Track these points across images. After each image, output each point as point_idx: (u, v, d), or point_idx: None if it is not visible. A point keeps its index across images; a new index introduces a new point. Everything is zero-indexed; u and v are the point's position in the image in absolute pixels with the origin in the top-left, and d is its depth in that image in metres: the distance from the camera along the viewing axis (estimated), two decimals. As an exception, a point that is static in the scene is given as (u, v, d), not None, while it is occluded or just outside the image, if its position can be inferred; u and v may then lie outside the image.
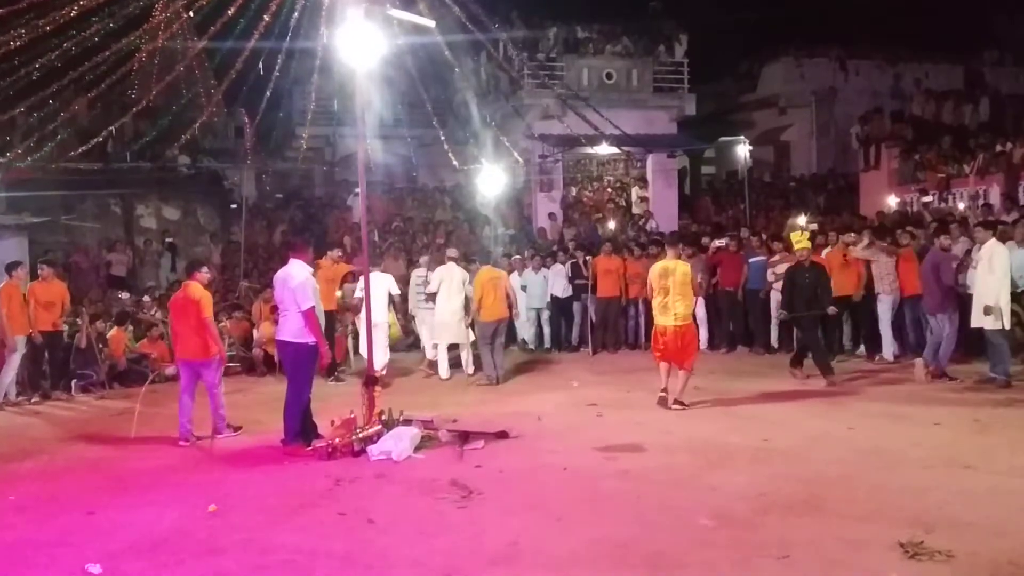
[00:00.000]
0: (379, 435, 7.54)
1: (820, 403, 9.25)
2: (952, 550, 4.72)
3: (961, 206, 15.67)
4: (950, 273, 10.30)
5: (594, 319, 14.27)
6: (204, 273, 9.09)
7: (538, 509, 5.79)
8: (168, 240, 19.59)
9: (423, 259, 13.01)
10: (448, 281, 11.68)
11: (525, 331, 14.62)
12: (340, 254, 12.63)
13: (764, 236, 14.35)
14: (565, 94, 17.70)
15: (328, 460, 7.28)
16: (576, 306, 14.68)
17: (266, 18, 12.07)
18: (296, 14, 11.90)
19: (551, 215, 19.93)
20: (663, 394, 9.07)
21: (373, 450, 7.31)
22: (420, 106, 16.72)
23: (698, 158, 27.17)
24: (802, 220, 15.87)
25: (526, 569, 4.76)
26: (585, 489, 6.28)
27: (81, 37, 11.84)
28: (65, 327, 11.97)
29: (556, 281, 14.52)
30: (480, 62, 21.33)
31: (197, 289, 8.67)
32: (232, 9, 11.83)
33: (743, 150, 21.82)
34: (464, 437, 7.78)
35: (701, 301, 13.55)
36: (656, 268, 9.39)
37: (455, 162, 17.47)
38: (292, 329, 7.85)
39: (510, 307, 11.76)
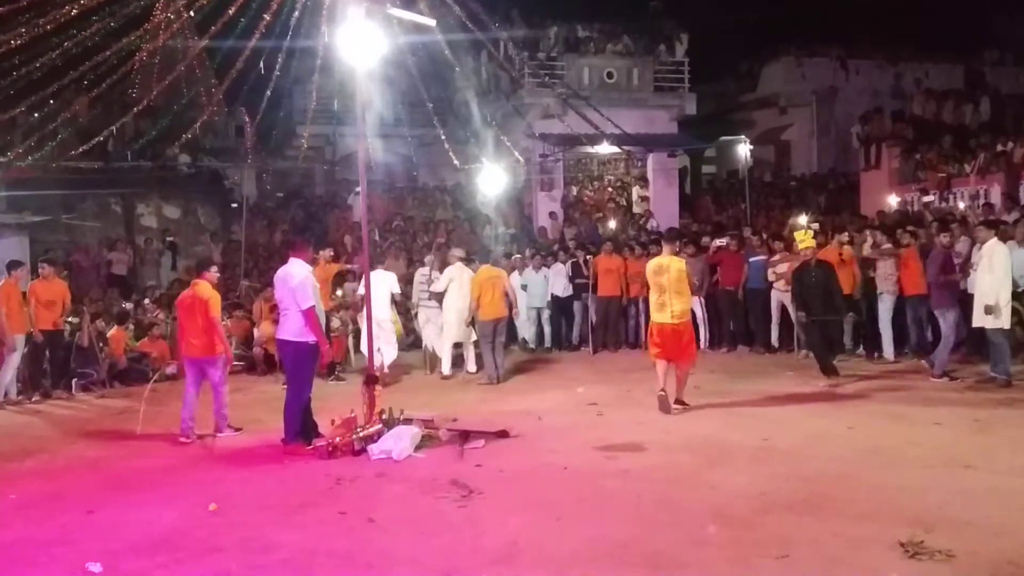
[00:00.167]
0: (379, 434, 7.54)
1: (820, 402, 9.25)
2: (952, 549, 4.71)
3: (961, 205, 15.66)
4: (950, 270, 10.30)
5: (595, 318, 14.28)
6: (213, 272, 9.16)
7: (538, 508, 5.79)
8: (169, 239, 19.60)
9: (428, 258, 13.00)
10: (458, 281, 11.72)
11: (525, 330, 14.62)
12: (331, 254, 12.65)
13: (764, 235, 14.34)
14: (566, 93, 17.72)
15: (328, 459, 7.29)
16: (577, 305, 14.70)
17: (267, 17, 12.09)
18: (297, 13, 11.91)
19: (552, 214, 19.93)
20: (662, 394, 8.86)
21: (373, 449, 7.31)
22: (421, 105, 16.71)
23: (699, 158, 27.17)
24: (803, 220, 15.87)
25: (526, 568, 4.76)
26: (585, 488, 6.27)
27: (82, 36, 11.85)
28: (67, 326, 11.99)
29: (557, 280, 14.53)
30: (481, 61, 21.33)
31: (206, 288, 8.71)
32: (233, 8, 11.85)
33: (744, 149, 21.81)
34: (464, 436, 7.79)
35: (701, 300, 13.62)
36: (651, 265, 9.24)
37: (456, 161, 17.48)
38: (292, 328, 7.86)
39: (510, 307, 11.78)
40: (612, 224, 18.66)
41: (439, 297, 12.08)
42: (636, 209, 21.18)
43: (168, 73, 17.61)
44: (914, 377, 10.54)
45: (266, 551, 5.09)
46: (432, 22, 10.16)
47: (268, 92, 15.25)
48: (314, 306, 7.81)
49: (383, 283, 11.55)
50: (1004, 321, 9.60)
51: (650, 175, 21.28)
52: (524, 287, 14.14)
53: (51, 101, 14.53)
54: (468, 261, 12.23)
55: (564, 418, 8.92)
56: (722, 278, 13.75)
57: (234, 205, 21.47)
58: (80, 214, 19.04)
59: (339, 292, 13.49)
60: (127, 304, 15.23)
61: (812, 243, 10.56)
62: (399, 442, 7.33)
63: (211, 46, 15.25)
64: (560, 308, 14.72)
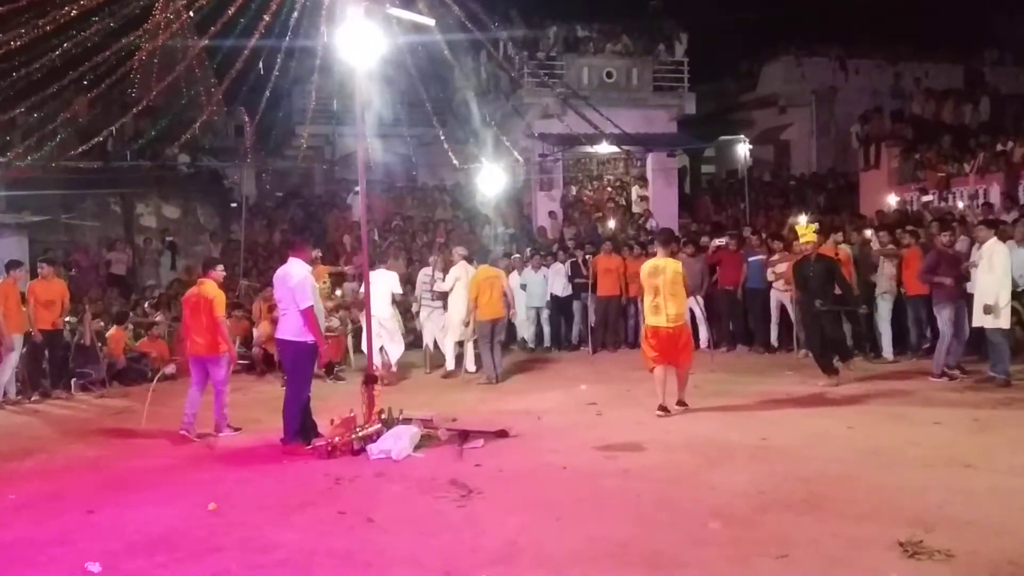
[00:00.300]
0: (379, 434, 7.54)
1: (820, 402, 9.25)
2: (952, 549, 4.71)
3: (960, 205, 15.67)
4: (944, 270, 10.30)
5: (594, 318, 14.28)
6: (219, 271, 9.24)
7: (537, 508, 5.79)
8: (168, 239, 19.60)
9: (432, 259, 13.01)
10: (463, 279, 11.74)
11: (525, 330, 14.63)
12: (319, 254, 12.69)
13: (764, 235, 14.34)
14: (565, 93, 17.70)
15: (328, 459, 7.29)
16: (576, 305, 14.70)
17: (266, 17, 12.07)
18: (296, 13, 11.90)
19: (551, 213, 19.94)
20: (660, 414, 8.59)
21: (373, 449, 7.31)
22: (420, 105, 16.69)
23: (698, 157, 27.17)
24: (803, 219, 15.87)
25: (525, 568, 4.76)
26: (585, 488, 6.27)
27: (81, 37, 11.85)
28: (67, 325, 11.98)
29: (556, 280, 14.54)
30: (480, 61, 21.32)
31: (212, 288, 8.77)
32: (232, 8, 11.84)
33: (743, 149, 21.82)
34: (464, 436, 7.79)
35: (698, 300, 13.60)
36: (646, 266, 9.04)
37: (455, 161, 17.47)
38: (291, 328, 7.86)
39: (507, 307, 11.79)
40: (611, 224, 18.66)
41: (444, 296, 12.11)
42: (635, 209, 21.19)
43: (168, 73, 17.61)
44: (914, 377, 10.53)
45: (265, 551, 5.09)
46: (431, 22, 10.15)
47: (267, 92, 15.25)
48: (312, 306, 7.81)
49: (384, 282, 11.59)
50: (1004, 321, 9.60)
51: (649, 175, 21.28)
52: (523, 287, 14.15)
53: (51, 101, 14.51)
54: (469, 260, 12.25)
55: (563, 418, 8.92)
56: (721, 278, 13.75)
57: (233, 205, 21.49)
58: (79, 214, 19.04)
59: (339, 292, 13.50)
60: (126, 305, 15.27)
61: (814, 238, 10.41)
62: (398, 442, 7.33)
63: (210, 46, 15.23)
64: (559, 308, 14.72)
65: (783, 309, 12.92)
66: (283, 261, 8.44)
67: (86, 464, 7.67)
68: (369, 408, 7.85)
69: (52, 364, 11.76)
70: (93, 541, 5.34)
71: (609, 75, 20.92)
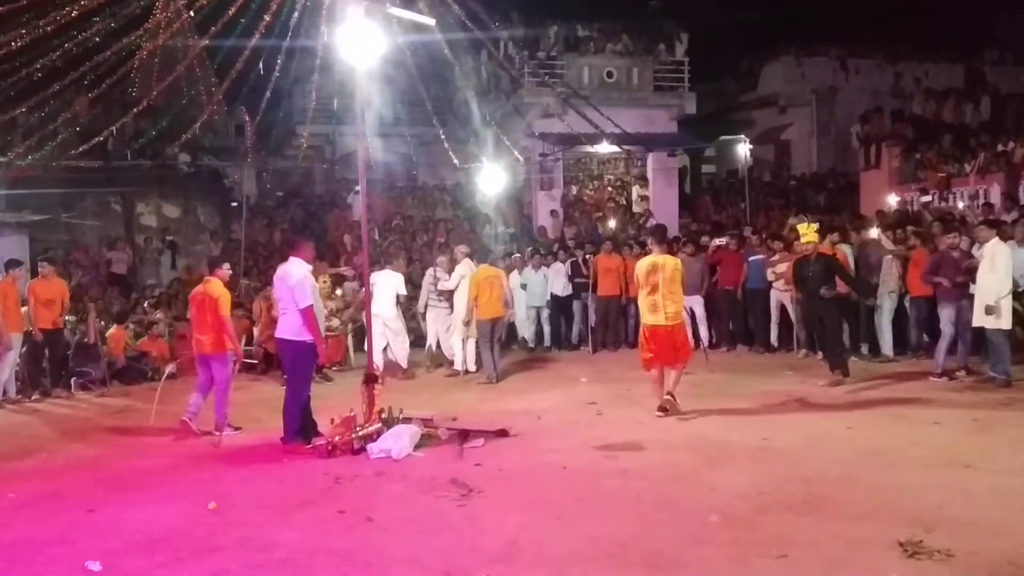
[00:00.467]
0: (379, 433, 7.54)
1: (820, 402, 9.25)
2: (951, 549, 4.71)
3: (961, 205, 15.66)
4: (946, 272, 10.33)
5: (594, 318, 14.28)
6: (225, 270, 9.31)
7: (537, 507, 5.79)
8: (168, 238, 19.61)
9: (440, 259, 13.04)
10: (468, 277, 11.76)
11: (525, 330, 14.63)
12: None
13: (763, 235, 14.34)
14: (565, 93, 17.69)
15: (328, 458, 7.29)
16: (576, 305, 14.71)
17: (266, 17, 12.07)
18: (296, 13, 11.90)
19: (553, 212, 19.94)
20: (660, 414, 8.56)
21: (373, 448, 7.31)
22: (420, 104, 16.69)
23: (698, 157, 27.15)
24: (803, 219, 15.89)
25: (525, 567, 4.76)
26: (585, 487, 6.28)
27: (82, 37, 11.85)
28: (67, 323, 11.98)
29: (556, 279, 14.54)
30: (480, 60, 21.32)
31: (217, 286, 8.81)
32: (233, 8, 11.84)
33: (743, 149, 21.81)
34: (464, 435, 7.79)
35: (701, 300, 13.62)
36: (644, 263, 8.87)
37: (455, 160, 17.46)
38: (291, 327, 7.86)
39: (506, 306, 11.81)
40: (612, 223, 18.67)
41: (449, 295, 12.14)
42: (636, 208, 21.19)
43: (168, 73, 17.60)
44: (914, 377, 10.53)
45: (265, 550, 5.09)
46: (432, 21, 10.15)
47: (268, 91, 15.24)
48: (312, 305, 7.80)
49: (389, 283, 11.69)
50: (1004, 322, 9.59)
51: (650, 174, 21.28)
52: (523, 286, 14.17)
53: (51, 101, 14.51)
54: (470, 257, 12.29)
55: (563, 417, 8.93)
56: (721, 278, 13.75)
57: (234, 204, 21.49)
58: (80, 213, 19.05)
59: (339, 291, 13.51)
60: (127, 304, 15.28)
61: (815, 238, 10.30)
62: (398, 441, 7.34)
63: (211, 45, 15.23)
64: (559, 307, 14.73)
65: (783, 309, 12.92)
66: (284, 260, 8.45)
67: (86, 463, 7.67)
68: (369, 407, 7.86)
69: (52, 363, 11.77)
70: (93, 540, 5.34)
71: (610, 75, 20.92)
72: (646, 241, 14.55)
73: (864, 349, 12.25)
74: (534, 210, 20.53)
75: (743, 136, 22.50)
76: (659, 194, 20.96)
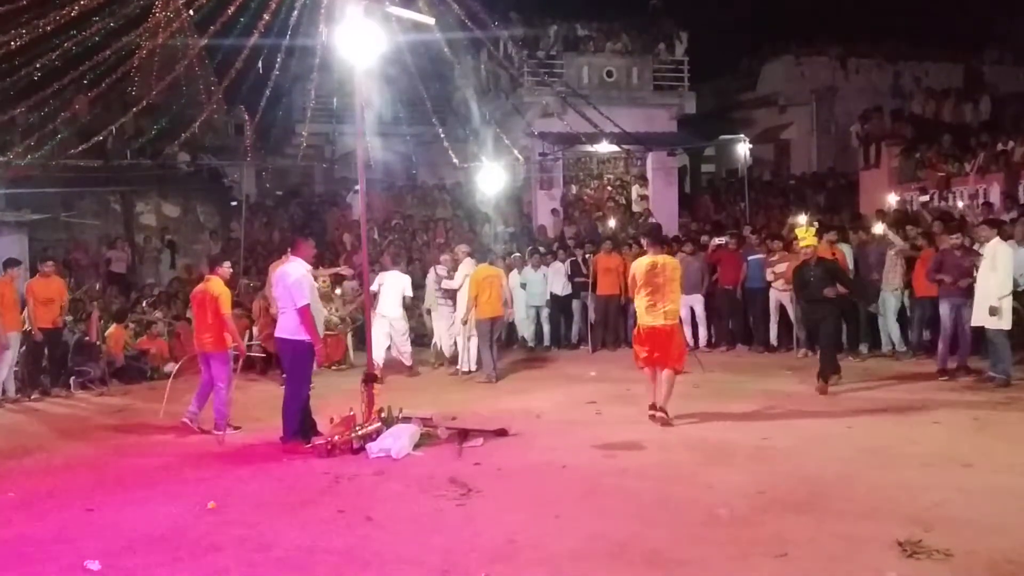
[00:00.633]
0: (378, 432, 7.54)
1: (819, 401, 9.26)
2: (950, 548, 4.71)
3: (960, 205, 15.66)
4: (952, 269, 10.35)
5: (594, 317, 14.28)
6: (226, 268, 9.33)
7: (536, 506, 5.80)
8: (168, 237, 19.61)
9: (443, 258, 13.07)
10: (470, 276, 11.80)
11: (525, 329, 14.63)
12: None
13: (762, 235, 14.33)
14: (565, 92, 17.68)
15: (327, 457, 7.30)
16: (576, 304, 14.71)
17: (266, 16, 12.08)
18: (296, 12, 11.90)
19: (554, 211, 19.94)
20: (652, 412, 8.33)
21: (372, 447, 7.31)
22: (420, 104, 16.67)
23: (698, 156, 27.13)
24: (802, 219, 15.88)
25: (524, 566, 4.76)
26: (584, 486, 6.28)
27: (82, 36, 11.85)
28: (66, 323, 11.98)
29: (556, 279, 14.54)
30: (480, 60, 21.30)
31: (217, 285, 8.82)
32: (232, 7, 11.84)
33: (743, 148, 21.78)
34: (463, 435, 7.80)
35: (701, 299, 13.63)
36: (643, 263, 8.54)
37: (455, 160, 17.46)
38: (290, 326, 7.86)
39: (506, 306, 11.83)
40: (612, 223, 18.65)
41: (452, 295, 12.17)
42: (635, 208, 21.18)
43: (168, 72, 17.63)
44: (913, 377, 10.55)
45: (264, 549, 5.09)
46: (431, 20, 10.15)
47: (267, 90, 15.25)
48: (308, 304, 7.77)
49: (396, 284, 11.78)
50: (1005, 321, 9.59)
51: (649, 174, 21.28)
52: (523, 285, 14.17)
53: (51, 100, 14.52)
54: (471, 256, 12.33)
55: (563, 416, 8.93)
56: (721, 277, 13.75)
57: (233, 203, 21.49)
58: (79, 212, 19.05)
59: (338, 291, 13.52)
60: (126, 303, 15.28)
61: (814, 241, 10.14)
62: (398, 440, 7.34)
63: (210, 44, 15.23)
64: (559, 307, 14.73)
65: (782, 308, 12.93)
66: (278, 259, 8.46)
67: (85, 462, 7.67)
68: (369, 407, 7.86)
69: (51, 362, 11.77)
70: (92, 539, 5.34)
71: (609, 74, 20.91)
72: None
73: (864, 348, 12.27)
74: (534, 209, 20.53)
75: (743, 135, 22.47)
76: (659, 193, 20.96)
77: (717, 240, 14.60)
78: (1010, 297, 9.62)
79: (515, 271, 14.06)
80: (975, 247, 10.71)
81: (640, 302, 8.49)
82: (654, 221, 18.66)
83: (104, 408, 10.64)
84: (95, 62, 12.69)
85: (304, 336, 7.81)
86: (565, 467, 6.84)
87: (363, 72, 8.34)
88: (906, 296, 11.87)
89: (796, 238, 10.86)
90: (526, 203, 21.04)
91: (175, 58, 18.85)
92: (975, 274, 10.06)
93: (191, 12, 14.27)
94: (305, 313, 7.74)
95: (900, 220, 13.83)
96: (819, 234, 12.13)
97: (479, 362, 11.88)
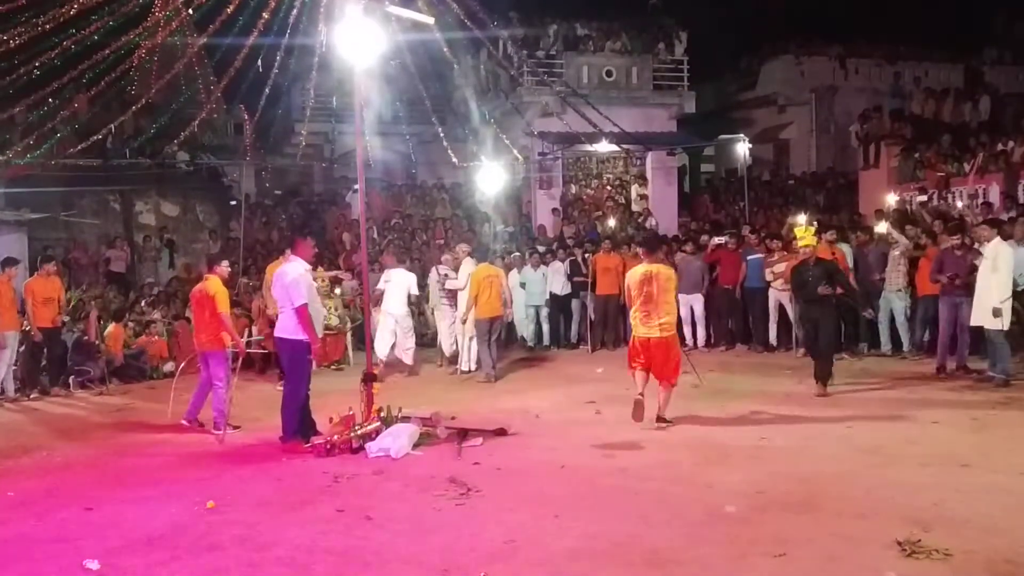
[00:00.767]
0: (377, 432, 7.55)
1: (818, 401, 9.26)
2: (949, 548, 4.72)
3: (960, 205, 15.67)
4: (953, 269, 10.37)
5: (593, 317, 14.29)
6: (224, 267, 9.34)
7: (536, 506, 5.80)
8: (167, 237, 19.59)
9: (444, 258, 13.08)
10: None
11: (524, 329, 14.64)
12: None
13: (762, 234, 14.34)
14: (564, 92, 17.68)
15: (326, 457, 7.30)
16: (575, 303, 14.72)
17: (265, 15, 12.07)
18: (295, 11, 11.89)
19: (555, 211, 19.95)
20: (640, 398, 8.10)
21: (371, 447, 7.32)
22: (419, 103, 16.67)
23: (697, 156, 27.12)
24: (802, 219, 15.88)
25: (523, 566, 4.76)
26: (583, 486, 6.28)
27: (81, 35, 11.84)
28: (65, 323, 11.98)
29: (555, 278, 14.55)
30: (479, 59, 21.31)
31: (215, 284, 8.84)
32: (231, 6, 11.84)
33: (742, 148, 21.80)
34: (462, 434, 7.80)
35: (701, 298, 13.64)
36: (636, 273, 8.40)
37: (454, 159, 17.46)
38: (289, 326, 7.85)
39: (505, 306, 11.84)
40: (611, 222, 18.66)
41: (454, 294, 12.18)
42: (635, 207, 21.18)
43: (167, 71, 17.59)
44: (912, 376, 10.57)
45: (264, 548, 5.10)
46: (431, 20, 10.15)
47: (267, 89, 15.23)
48: (306, 304, 7.75)
49: (403, 281, 11.81)
50: (1004, 321, 9.60)
51: (649, 173, 21.29)
52: (522, 285, 14.17)
53: (50, 99, 14.50)
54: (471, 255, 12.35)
55: (562, 416, 8.93)
56: (720, 277, 13.76)
57: (233, 203, 21.47)
58: (79, 211, 19.02)
59: (337, 290, 13.52)
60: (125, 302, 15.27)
61: (813, 241, 10.02)
62: (397, 440, 7.34)
63: (210, 43, 15.22)
64: (558, 306, 14.74)
65: (782, 308, 12.94)
66: (275, 259, 8.47)
67: (84, 461, 7.67)
68: (368, 406, 7.86)
69: (51, 362, 11.77)
70: (92, 538, 5.34)
71: (609, 73, 20.92)
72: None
73: (863, 348, 12.28)
74: (533, 209, 20.53)
75: (742, 135, 22.49)
76: (658, 193, 20.97)
77: (716, 240, 14.60)
78: (1010, 298, 9.63)
79: (514, 271, 14.07)
80: (975, 247, 10.73)
81: (635, 313, 8.35)
82: (653, 222, 18.74)
83: (103, 407, 10.64)
84: (94, 61, 12.67)
85: (302, 335, 7.81)
86: (564, 467, 6.84)
87: (362, 71, 8.34)
88: (908, 295, 11.88)
89: (795, 238, 10.83)
90: (525, 203, 21.04)
91: (174, 57, 18.82)
92: (975, 273, 10.08)
93: (190, 11, 14.24)
94: (302, 313, 7.73)
95: (901, 220, 13.85)
96: (818, 234, 12.17)
97: (479, 362, 11.89)
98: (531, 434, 8.07)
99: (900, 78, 25.90)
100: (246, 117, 21.09)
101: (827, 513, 5.46)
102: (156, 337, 13.38)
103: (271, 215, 22.19)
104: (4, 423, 9.80)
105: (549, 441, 7.74)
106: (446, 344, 12.68)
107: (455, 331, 12.35)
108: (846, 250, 12.45)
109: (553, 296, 14.57)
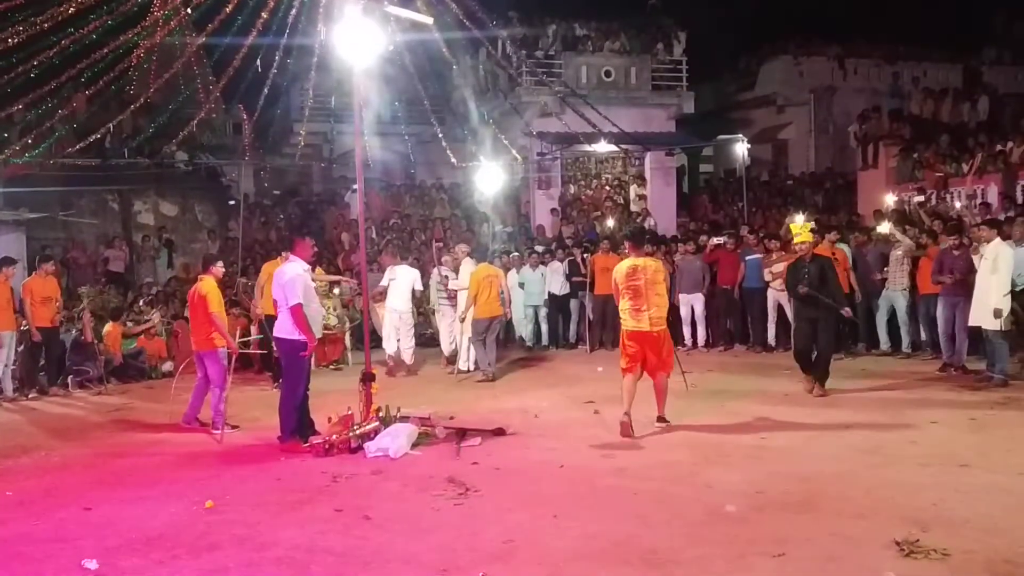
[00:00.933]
0: (376, 432, 7.54)
1: (817, 401, 9.26)
2: (948, 548, 4.72)
3: (958, 205, 15.68)
4: (943, 270, 10.39)
5: (592, 317, 14.29)
6: (218, 268, 9.36)
7: (534, 506, 5.79)
8: (165, 236, 19.59)
9: (445, 258, 13.09)
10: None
11: (523, 328, 14.65)
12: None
13: (761, 234, 14.34)
14: (563, 92, 17.70)
15: (325, 457, 7.30)
16: (574, 303, 14.72)
17: (264, 15, 12.06)
18: (294, 10, 11.89)
19: (554, 211, 19.95)
20: (626, 419, 7.84)
21: (370, 447, 7.31)
22: (418, 103, 16.67)
23: (696, 156, 27.17)
24: (800, 219, 15.89)
25: (522, 565, 4.76)
26: (582, 486, 6.28)
27: (80, 34, 11.83)
28: (62, 321, 11.97)
29: (554, 278, 14.56)
30: (478, 59, 21.32)
31: (208, 284, 8.87)
32: (230, 6, 11.83)
33: (741, 148, 21.81)
34: (461, 434, 7.80)
35: (702, 298, 13.64)
36: (623, 267, 8.22)
37: (453, 159, 17.46)
38: (286, 326, 7.84)
39: (504, 305, 11.85)
40: (610, 222, 18.67)
41: (455, 294, 12.20)
42: (634, 207, 21.19)
43: (166, 70, 17.56)
44: (912, 376, 10.57)
45: (262, 548, 5.09)
46: (430, 20, 10.15)
47: (266, 89, 15.22)
48: (300, 304, 7.70)
49: (407, 278, 11.87)
50: (1004, 321, 9.60)
51: (648, 174, 21.30)
52: (521, 285, 14.18)
53: (48, 98, 14.49)
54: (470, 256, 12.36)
55: (561, 416, 8.93)
56: (719, 277, 13.76)
57: (231, 202, 21.47)
58: (77, 211, 19.02)
59: (336, 290, 13.52)
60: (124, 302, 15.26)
61: (809, 238, 9.89)
62: (396, 440, 7.33)
63: (209, 43, 15.21)
64: (557, 306, 14.75)
65: (780, 308, 12.94)
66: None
67: (83, 461, 7.67)
68: (367, 406, 7.86)
69: (49, 361, 11.76)
70: (90, 538, 5.33)
71: (608, 74, 20.93)
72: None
73: (861, 347, 12.28)
74: (532, 209, 20.54)
75: (741, 135, 22.50)
76: (657, 193, 20.99)
77: (715, 240, 14.61)
78: (1009, 298, 9.63)
79: (513, 271, 14.08)
80: (974, 247, 10.74)
81: (624, 306, 8.17)
82: (652, 222, 18.74)
83: (102, 407, 10.63)
84: (93, 60, 12.66)
85: (299, 335, 7.80)
86: (563, 466, 6.84)
87: (361, 71, 8.33)
88: (909, 294, 11.89)
89: (792, 234, 10.74)
90: (524, 203, 21.05)
91: (173, 56, 18.80)
92: (974, 273, 10.09)
93: (189, 10, 14.22)
94: (296, 312, 7.71)
95: (900, 219, 13.86)
96: (820, 234, 12.16)
97: (477, 362, 11.89)
98: (530, 434, 8.07)
99: (899, 78, 25.92)
100: (245, 117, 21.08)
101: (826, 513, 5.46)
102: (155, 337, 13.37)
103: (270, 215, 22.19)
104: (2, 423, 9.79)
105: (548, 441, 7.74)
106: (445, 344, 12.70)
107: (455, 330, 12.37)
108: (847, 250, 12.45)
109: (552, 296, 14.58)
